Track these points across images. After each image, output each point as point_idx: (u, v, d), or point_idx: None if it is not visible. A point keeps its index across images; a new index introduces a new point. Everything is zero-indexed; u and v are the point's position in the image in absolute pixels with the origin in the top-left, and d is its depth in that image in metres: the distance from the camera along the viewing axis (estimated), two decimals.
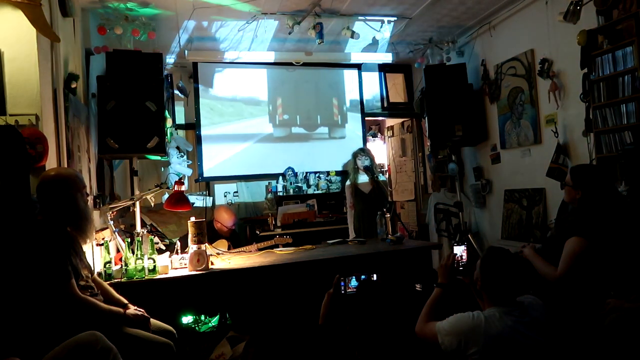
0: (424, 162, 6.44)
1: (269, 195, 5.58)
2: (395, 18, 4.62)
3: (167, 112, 3.77)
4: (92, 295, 2.21)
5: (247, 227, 5.36)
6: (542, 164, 4.21)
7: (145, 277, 2.74)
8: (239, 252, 3.59)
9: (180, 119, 5.58)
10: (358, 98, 6.09)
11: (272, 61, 5.51)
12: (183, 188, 3.29)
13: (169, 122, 3.90)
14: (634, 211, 2.61)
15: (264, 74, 5.74)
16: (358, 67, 6.05)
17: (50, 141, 2.53)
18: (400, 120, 6.85)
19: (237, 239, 4.15)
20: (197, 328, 3.69)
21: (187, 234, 2.93)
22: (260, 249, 3.63)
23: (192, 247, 2.86)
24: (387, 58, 5.68)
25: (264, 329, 2.98)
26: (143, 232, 3.08)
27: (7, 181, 2.04)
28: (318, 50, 5.33)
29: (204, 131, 5.47)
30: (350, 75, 6.06)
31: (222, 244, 3.78)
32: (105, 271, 2.68)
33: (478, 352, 1.70)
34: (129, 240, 2.83)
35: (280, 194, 5.55)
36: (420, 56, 5.51)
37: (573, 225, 2.39)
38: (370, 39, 5.00)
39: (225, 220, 3.98)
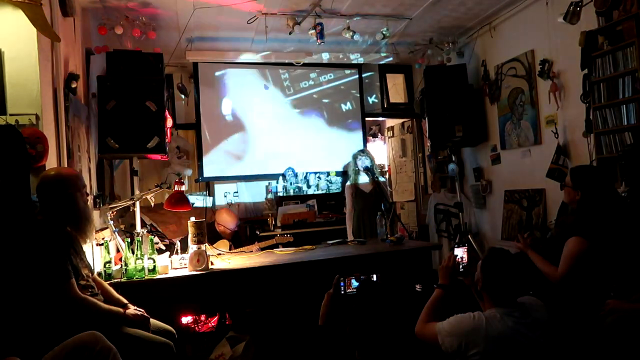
0: (424, 162, 6.43)
1: (269, 196, 5.58)
2: (396, 18, 4.62)
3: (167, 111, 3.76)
4: (93, 295, 2.21)
5: (247, 228, 5.36)
6: (542, 164, 4.21)
7: (145, 277, 2.74)
8: (240, 252, 3.59)
9: (181, 119, 5.58)
10: (358, 98, 6.08)
11: (272, 61, 5.51)
12: (183, 188, 3.29)
13: (169, 122, 3.90)
14: (634, 212, 2.61)
15: (264, 74, 5.74)
16: (358, 67, 6.04)
17: (51, 141, 2.53)
18: (400, 120, 6.85)
19: (238, 240, 4.14)
20: (196, 328, 3.68)
21: (187, 235, 2.92)
22: (262, 248, 3.63)
23: (192, 247, 2.85)
24: (388, 58, 5.67)
25: (264, 329, 2.98)
26: (143, 232, 3.08)
27: (7, 181, 2.04)
28: (318, 51, 5.33)
29: (203, 131, 5.46)
30: (350, 75, 6.05)
31: (224, 244, 3.78)
32: (105, 271, 2.68)
33: (479, 353, 1.70)
34: (128, 240, 2.83)
35: (280, 194, 5.54)
36: (421, 57, 5.51)
37: (573, 226, 2.39)
38: (371, 40, 5.00)
39: (227, 222, 3.97)
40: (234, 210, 5.50)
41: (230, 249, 3.76)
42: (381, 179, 4.61)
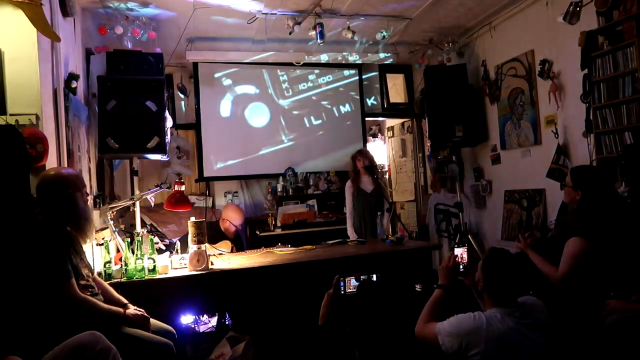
0: (424, 162, 6.44)
1: (269, 196, 5.58)
2: (396, 18, 4.62)
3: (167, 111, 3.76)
4: (93, 294, 2.21)
5: (247, 227, 5.36)
6: (542, 164, 4.21)
7: (145, 277, 2.74)
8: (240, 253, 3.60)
9: (180, 119, 5.58)
10: (358, 98, 6.09)
11: (272, 61, 5.51)
12: (183, 188, 3.29)
13: (168, 122, 3.90)
14: (634, 212, 2.62)
15: (264, 74, 5.74)
16: (358, 67, 6.04)
17: (51, 141, 2.53)
18: (400, 120, 6.85)
19: (240, 243, 4.13)
20: (196, 328, 3.68)
21: (187, 234, 2.92)
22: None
23: (192, 247, 2.85)
24: (388, 58, 5.67)
25: (264, 329, 2.98)
26: (143, 232, 3.08)
27: (7, 181, 2.04)
28: (318, 51, 5.33)
29: (204, 131, 5.46)
30: (350, 75, 6.06)
31: (226, 245, 3.77)
32: (105, 271, 2.68)
33: (479, 353, 1.70)
34: (128, 240, 2.83)
35: (281, 194, 5.54)
36: (421, 57, 5.51)
37: (573, 226, 2.39)
38: (371, 40, 5.00)
39: (233, 218, 3.95)
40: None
41: (232, 251, 3.76)
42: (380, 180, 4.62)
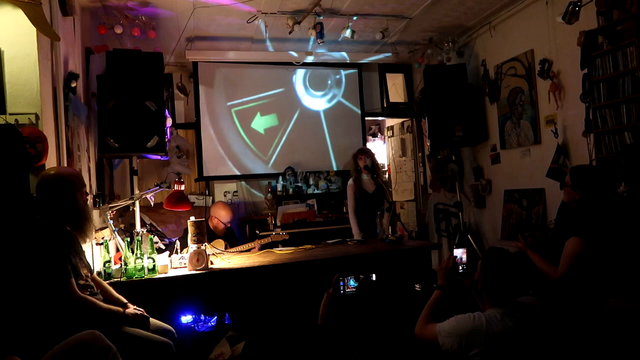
0: (423, 162, 6.43)
1: (269, 195, 5.58)
2: (396, 18, 4.62)
3: (167, 111, 3.76)
4: (92, 294, 2.21)
5: (247, 227, 5.36)
6: (542, 164, 4.21)
7: (145, 276, 2.74)
8: (239, 250, 3.59)
9: (180, 118, 5.58)
10: (358, 98, 6.08)
11: (272, 61, 5.51)
12: (182, 187, 3.28)
13: (168, 122, 3.90)
14: (634, 211, 2.62)
15: (264, 73, 5.74)
16: (358, 66, 6.04)
17: (50, 140, 2.53)
18: (400, 120, 6.85)
19: (233, 238, 4.12)
20: (196, 327, 3.68)
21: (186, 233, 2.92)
22: (263, 246, 3.65)
23: (192, 247, 2.85)
24: (387, 58, 5.67)
25: (263, 328, 2.98)
26: (142, 232, 3.08)
27: (7, 180, 2.04)
28: (318, 50, 5.33)
29: (203, 131, 5.47)
30: (350, 75, 6.06)
31: (219, 244, 3.77)
32: (104, 270, 2.68)
33: (479, 353, 1.70)
34: (128, 239, 2.83)
35: (280, 193, 5.55)
36: (420, 56, 5.51)
37: (573, 226, 2.39)
38: (370, 39, 5.00)
39: (222, 216, 3.93)
40: (234, 208, 5.50)
41: (225, 249, 3.75)
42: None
